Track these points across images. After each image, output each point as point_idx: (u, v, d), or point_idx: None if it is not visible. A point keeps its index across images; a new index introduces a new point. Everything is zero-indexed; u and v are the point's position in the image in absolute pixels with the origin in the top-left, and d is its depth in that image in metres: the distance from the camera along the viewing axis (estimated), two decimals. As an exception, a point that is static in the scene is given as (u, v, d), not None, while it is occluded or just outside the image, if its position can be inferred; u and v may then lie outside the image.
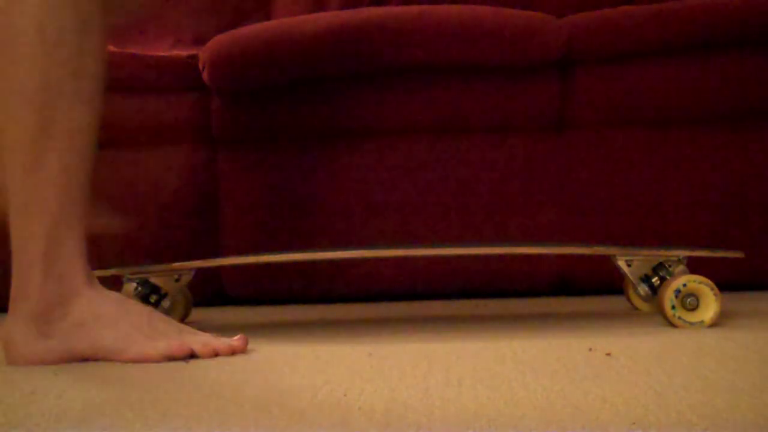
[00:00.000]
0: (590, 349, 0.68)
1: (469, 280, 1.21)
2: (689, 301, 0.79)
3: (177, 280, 0.90)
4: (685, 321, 0.79)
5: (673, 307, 0.79)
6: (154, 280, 0.89)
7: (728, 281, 1.06)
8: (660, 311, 0.81)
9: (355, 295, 1.24)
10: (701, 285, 0.79)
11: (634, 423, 0.42)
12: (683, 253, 0.83)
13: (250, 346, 0.77)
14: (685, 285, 0.79)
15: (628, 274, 0.86)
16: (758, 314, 0.89)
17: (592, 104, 1.18)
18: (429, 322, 0.94)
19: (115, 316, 0.70)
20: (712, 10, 1.14)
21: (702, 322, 0.79)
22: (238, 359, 0.69)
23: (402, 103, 1.18)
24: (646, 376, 0.55)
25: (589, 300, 1.14)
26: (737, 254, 0.84)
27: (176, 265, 0.87)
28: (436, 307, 1.12)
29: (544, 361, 0.63)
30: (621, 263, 0.85)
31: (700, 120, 1.18)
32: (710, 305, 0.79)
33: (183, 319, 1.00)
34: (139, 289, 0.88)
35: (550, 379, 0.55)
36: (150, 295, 0.89)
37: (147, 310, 0.73)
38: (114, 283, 0.90)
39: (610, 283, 1.14)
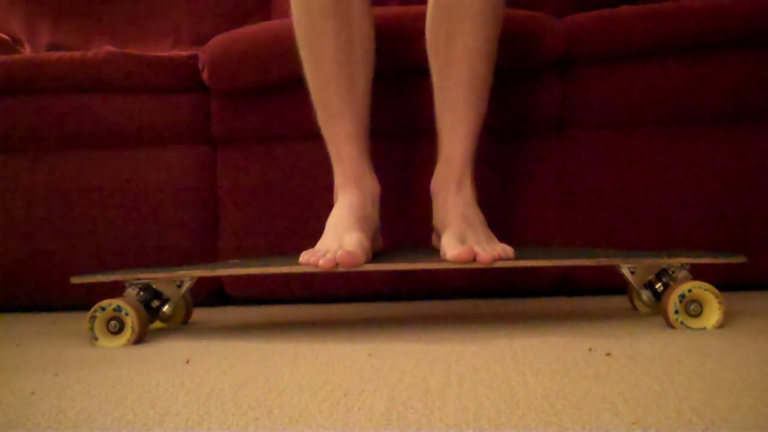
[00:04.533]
0: (590, 349, 0.67)
1: (470, 280, 1.21)
2: (693, 307, 0.79)
3: (179, 286, 0.90)
4: (686, 326, 0.79)
5: (677, 311, 0.79)
6: (156, 285, 0.89)
7: (728, 282, 1.06)
8: (662, 314, 0.81)
9: (355, 295, 1.24)
10: (706, 292, 0.79)
11: (634, 423, 0.42)
12: (686, 260, 0.83)
13: (250, 346, 0.77)
14: (690, 291, 0.79)
15: (632, 282, 0.86)
16: (759, 315, 0.89)
17: (592, 104, 1.18)
18: (429, 322, 0.94)
19: None
20: (712, 10, 1.14)
21: (704, 329, 0.79)
22: (238, 359, 0.69)
23: (400, 104, 1.18)
24: (646, 376, 0.55)
25: (590, 300, 1.14)
26: (740, 259, 0.84)
27: (179, 273, 0.87)
28: (436, 307, 1.12)
29: (544, 361, 0.63)
30: (624, 271, 0.85)
31: (701, 120, 1.18)
32: (713, 313, 0.79)
33: (184, 323, 1.01)
34: (142, 294, 0.87)
35: (550, 379, 0.55)
36: (152, 301, 0.89)
37: None
38: (115, 287, 0.91)
39: (611, 283, 1.14)
